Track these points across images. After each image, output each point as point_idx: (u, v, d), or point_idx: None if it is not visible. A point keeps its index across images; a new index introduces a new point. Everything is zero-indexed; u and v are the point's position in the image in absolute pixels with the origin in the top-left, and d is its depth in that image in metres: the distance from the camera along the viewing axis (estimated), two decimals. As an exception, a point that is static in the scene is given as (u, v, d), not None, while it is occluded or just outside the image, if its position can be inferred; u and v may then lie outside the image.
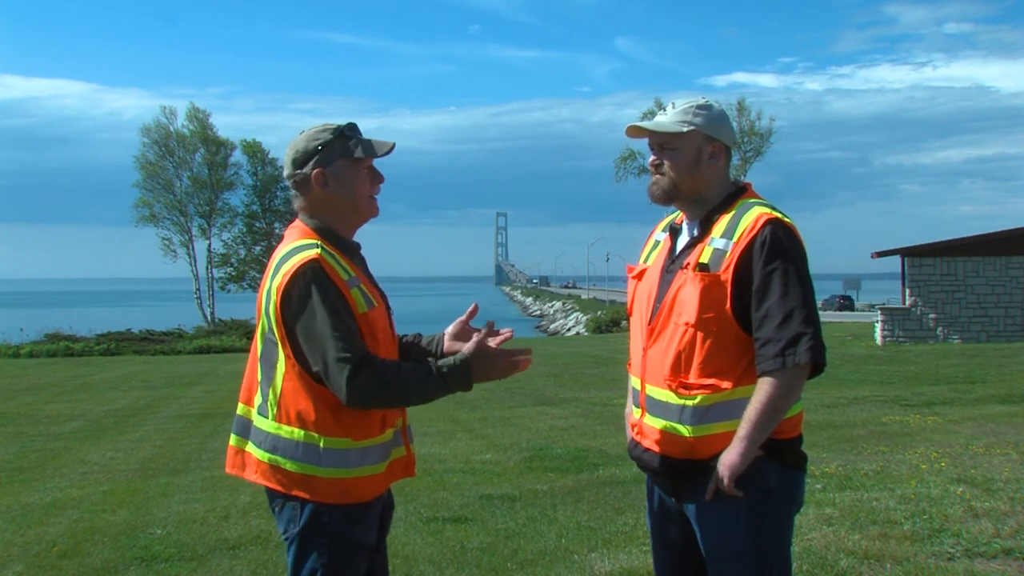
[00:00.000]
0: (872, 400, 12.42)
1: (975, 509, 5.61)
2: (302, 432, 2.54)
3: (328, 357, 2.45)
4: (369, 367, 2.46)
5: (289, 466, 2.56)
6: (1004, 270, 24.06)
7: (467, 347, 2.58)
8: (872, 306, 43.03)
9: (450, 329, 2.83)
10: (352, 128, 2.69)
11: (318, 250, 2.55)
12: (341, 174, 2.64)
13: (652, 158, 2.70)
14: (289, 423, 2.56)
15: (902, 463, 7.39)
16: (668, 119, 2.66)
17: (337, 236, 2.67)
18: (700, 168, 2.65)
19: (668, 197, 2.68)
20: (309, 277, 2.49)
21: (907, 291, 24.53)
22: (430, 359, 2.60)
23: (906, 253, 24.68)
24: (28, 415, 14.47)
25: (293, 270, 2.51)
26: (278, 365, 2.57)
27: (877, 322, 24.82)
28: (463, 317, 2.79)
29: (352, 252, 2.71)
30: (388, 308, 2.76)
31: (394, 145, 2.69)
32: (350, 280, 2.56)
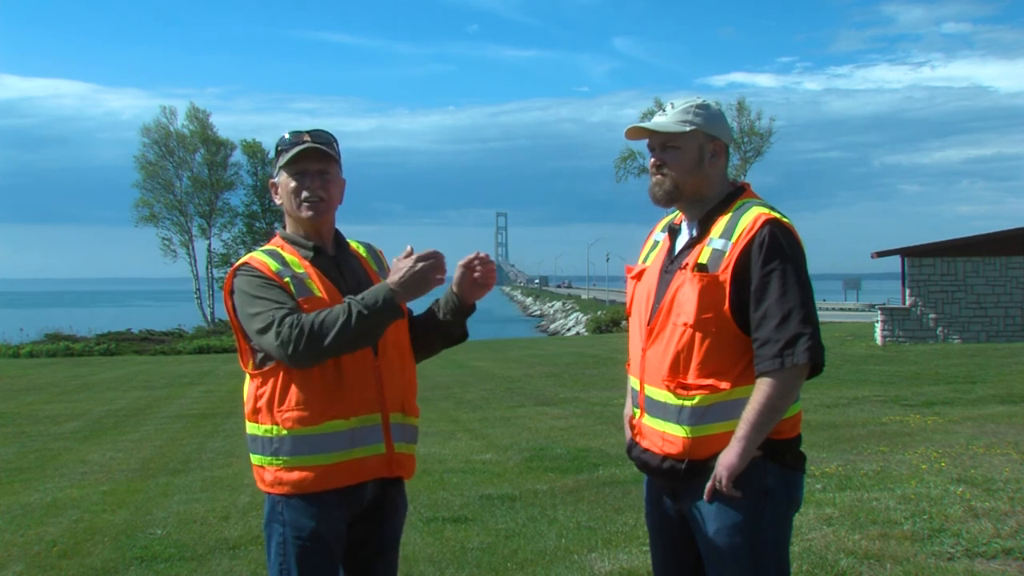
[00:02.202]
0: (872, 400, 12.41)
1: (975, 509, 5.61)
2: (251, 424, 2.72)
3: (257, 327, 2.61)
4: (288, 322, 2.54)
5: (252, 458, 2.75)
6: (1004, 270, 24.02)
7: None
8: (872, 306, 43.00)
9: (454, 277, 2.82)
10: (287, 138, 2.77)
11: (253, 253, 2.77)
12: (279, 186, 2.80)
13: (653, 159, 2.69)
14: (249, 418, 2.74)
15: (902, 463, 7.39)
16: (669, 119, 2.66)
17: (296, 240, 2.80)
18: (702, 167, 2.65)
19: (671, 198, 2.68)
20: (235, 274, 2.73)
21: (907, 291, 24.50)
22: (348, 297, 2.59)
23: (906, 253, 24.65)
24: (28, 415, 14.47)
25: (229, 273, 2.77)
26: (248, 365, 2.75)
27: (877, 322, 24.80)
28: (462, 261, 2.78)
29: (316, 252, 2.76)
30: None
31: (301, 154, 2.70)
32: (282, 271, 2.67)
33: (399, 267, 2.57)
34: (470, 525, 5.95)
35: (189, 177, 51.77)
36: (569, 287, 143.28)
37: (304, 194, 2.72)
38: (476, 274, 2.75)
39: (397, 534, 2.86)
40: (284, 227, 2.86)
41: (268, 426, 2.66)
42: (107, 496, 7.49)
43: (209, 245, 52.19)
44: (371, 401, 2.68)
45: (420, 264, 2.55)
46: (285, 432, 2.63)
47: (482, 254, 2.75)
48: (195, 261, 52.18)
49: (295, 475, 2.63)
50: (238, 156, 53.30)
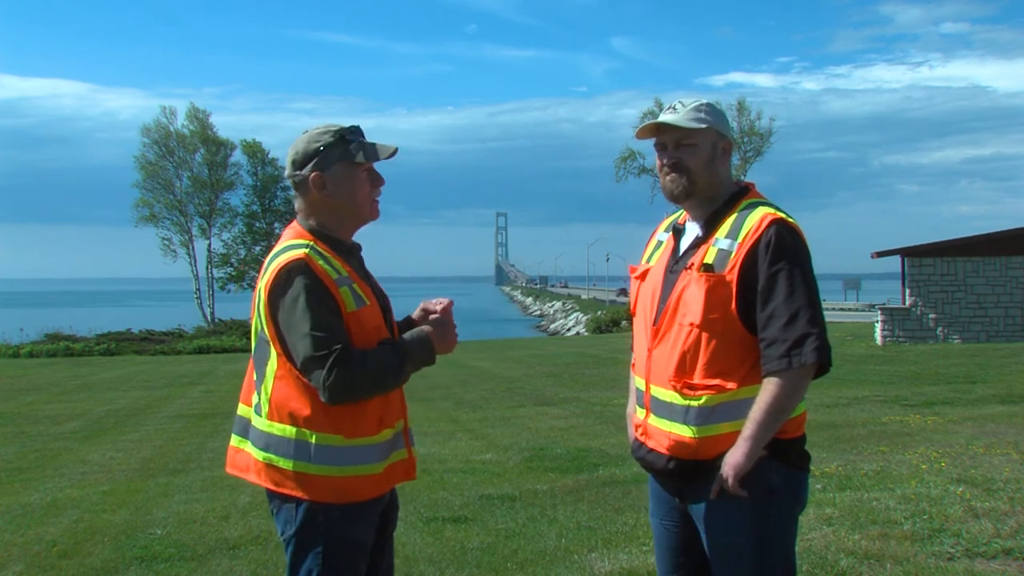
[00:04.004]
0: (872, 400, 12.41)
1: (975, 509, 5.60)
2: (294, 429, 2.56)
3: (306, 355, 2.49)
4: (343, 364, 2.47)
5: (283, 464, 2.57)
6: (1004, 270, 24.03)
7: (427, 324, 2.71)
8: (872, 306, 43.00)
9: (415, 314, 2.85)
10: (354, 131, 2.69)
11: (306, 249, 2.58)
12: (339, 177, 2.65)
13: (666, 157, 2.68)
14: (281, 420, 2.58)
15: (902, 463, 7.39)
16: (683, 116, 2.66)
17: (331, 237, 2.68)
18: (715, 164, 2.67)
19: (687, 193, 2.67)
20: (294, 274, 2.53)
21: (907, 291, 24.51)
22: (398, 343, 2.63)
23: (906, 253, 24.66)
24: (28, 415, 14.46)
25: (278, 267, 2.56)
26: (269, 363, 2.60)
27: (877, 322, 24.80)
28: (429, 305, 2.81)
29: (349, 253, 2.72)
30: (385, 307, 2.76)
31: (396, 149, 2.69)
32: (340, 279, 2.57)
33: (440, 324, 2.67)
34: (470, 525, 5.95)
35: (189, 177, 51.74)
36: (565, 287, 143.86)
37: (376, 194, 2.72)
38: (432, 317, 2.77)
39: (392, 531, 2.89)
40: (306, 219, 2.70)
41: (320, 432, 2.54)
42: (107, 496, 7.49)
43: (209, 245, 52.20)
44: (400, 408, 2.74)
45: (448, 321, 2.66)
46: (347, 443, 2.55)
47: (444, 303, 2.78)
48: (195, 261, 52.17)
49: (349, 483, 2.56)
50: (238, 156, 53.34)
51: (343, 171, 2.65)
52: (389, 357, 2.56)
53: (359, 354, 2.51)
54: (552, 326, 67.80)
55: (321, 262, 2.57)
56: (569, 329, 59.28)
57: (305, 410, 2.55)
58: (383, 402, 2.63)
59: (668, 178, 2.68)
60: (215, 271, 52.16)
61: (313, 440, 2.54)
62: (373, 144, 2.68)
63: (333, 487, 2.55)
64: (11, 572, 5.25)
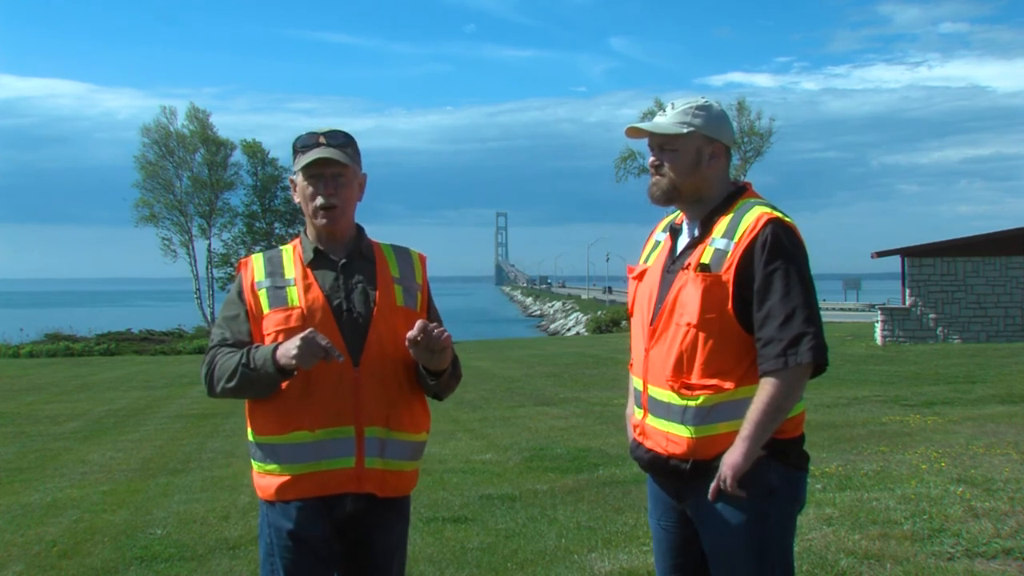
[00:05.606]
0: (872, 400, 12.41)
1: (975, 509, 5.61)
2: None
3: None
4: (206, 361, 2.68)
5: None
6: (1004, 270, 24.02)
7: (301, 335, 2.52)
8: (872, 306, 43.00)
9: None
10: (300, 139, 2.71)
11: (258, 254, 2.82)
12: (297, 184, 2.75)
13: (652, 159, 2.70)
14: None
15: (902, 463, 7.39)
16: (667, 120, 2.66)
17: (305, 242, 2.78)
18: (700, 169, 2.65)
19: (668, 198, 2.68)
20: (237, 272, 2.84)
21: (907, 291, 24.51)
22: (251, 346, 2.62)
23: (906, 253, 24.65)
24: (28, 415, 14.47)
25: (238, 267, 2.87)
26: None
27: (877, 322, 24.80)
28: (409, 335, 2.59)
29: (318, 256, 2.72)
30: (344, 310, 2.65)
31: (317, 159, 2.64)
32: (262, 282, 2.69)
33: (305, 339, 2.47)
34: (470, 525, 5.95)
35: (189, 177, 51.67)
36: (564, 287, 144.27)
37: (318, 200, 2.66)
38: (419, 345, 2.57)
39: (391, 551, 2.75)
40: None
41: (249, 430, 2.72)
42: (107, 496, 7.49)
43: (209, 245, 52.10)
44: (343, 413, 2.60)
45: (302, 339, 2.46)
46: (256, 439, 2.68)
47: (423, 327, 2.55)
48: (195, 261, 52.08)
49: (266, 481, 2.66)
50: (238, 156, 53.24)
51: (297, 180, 2.74)
52: (233, 358, 2.59)
53: (221, 354, 2.64)
54: (552, 326, 67.78)
55: (259, 264, 2.74)
56: (569, 329, 59.26)
57: (245, 408, 2.74)
58: (300, 402, 2.58)
59: (651, 180, 2.69)
60: (215, 271, 52.07)
61: (247, 436, 2.74)
62: (304, 154, 2.68)
63: (255, 482, 2.74)
64: (11, 572, 5.25)
